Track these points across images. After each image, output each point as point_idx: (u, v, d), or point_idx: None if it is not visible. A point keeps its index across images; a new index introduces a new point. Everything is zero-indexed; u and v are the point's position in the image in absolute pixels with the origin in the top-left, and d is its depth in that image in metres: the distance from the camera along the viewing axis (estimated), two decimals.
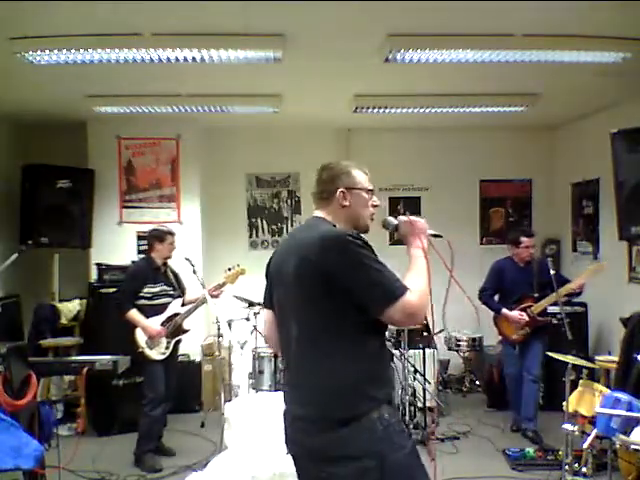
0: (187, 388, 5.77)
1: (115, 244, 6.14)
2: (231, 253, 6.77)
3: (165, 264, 4.73)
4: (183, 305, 4.71)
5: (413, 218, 2.21)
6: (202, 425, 5.41)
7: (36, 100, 5.42)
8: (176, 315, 4.63)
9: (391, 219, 2.26)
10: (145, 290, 4.55)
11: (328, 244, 1.90)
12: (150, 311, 4.54)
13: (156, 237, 4.67)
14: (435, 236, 2.35)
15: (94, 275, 5.92)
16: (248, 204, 7.03)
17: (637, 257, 5.52)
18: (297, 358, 1.99)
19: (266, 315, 2.21)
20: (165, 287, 4.65)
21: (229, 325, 5.29)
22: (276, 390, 5.02)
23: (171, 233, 4.71)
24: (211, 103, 5.45)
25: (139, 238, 6.13)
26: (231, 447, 4.05)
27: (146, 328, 4.49)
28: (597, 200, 6.15)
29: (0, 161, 5.98)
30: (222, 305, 4.93)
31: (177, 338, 4.66)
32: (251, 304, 5.32)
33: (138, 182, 6.27)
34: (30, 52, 3.89)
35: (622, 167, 4.67)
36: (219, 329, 5.18)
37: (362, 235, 2.01)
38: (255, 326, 5.32)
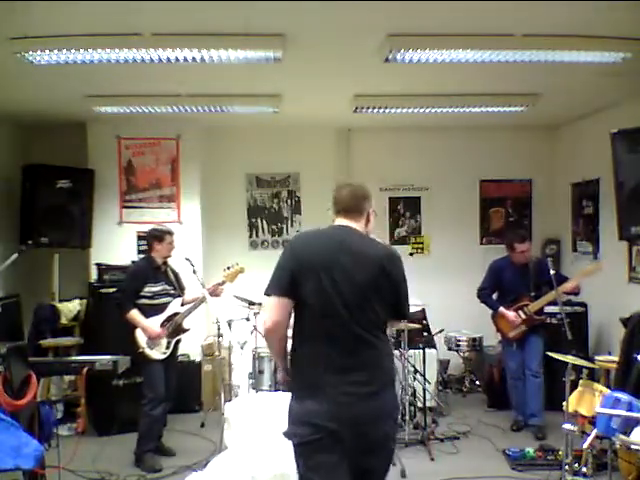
0: (187, 388, 5.77)
1: (115, 244, 6.14)
2: (231, 253, 6.76)
3: (165, 263, 4.73)
4: (182, 305, 4.71)
5: None
6: (202, 425, 5.42)
7: (36, 100, 5.42)
8: (176, 315, 4.62)
9: None
10: (146, 289, 4.54)
11: (398, 260, 2.47)
12: (150, 310, 4.53)
13: (155, 237, 4.66)
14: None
15: (94, 275, 5.91)
16: (248, 204, 7.03)
17: (637, 257, 5.52)
18: (355, 343, 2.32)
19: (281, 301, 2.35)
20: (166, 286, 4.65)
21: (229, 325, 5.29)
22: (276, 390, 5.02)
23: (170, 233, 4.71)
24: (211, 103, 5.44)
25: (139, 238, 6.13)
26: (231, 447, 4.05)
27: (146, 329, 4.48)
28: (597, 200, 6.15)
29: (0, 161, 5.98)
30: (222, 305, 4.93)
31: (177, 338, 4.66)
32: (251, 304, 5.32)
33: (138, 182, 6.28)
34: (30, 52, 3.89)
35: (622, 167, 4.67)
36: (219, 329, 5.19)
37: None
38: (255, 326, 5.32)
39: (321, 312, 2.32)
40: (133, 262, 5.30)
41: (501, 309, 5.14)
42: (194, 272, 4.60)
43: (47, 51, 3.87)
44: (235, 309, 5.44)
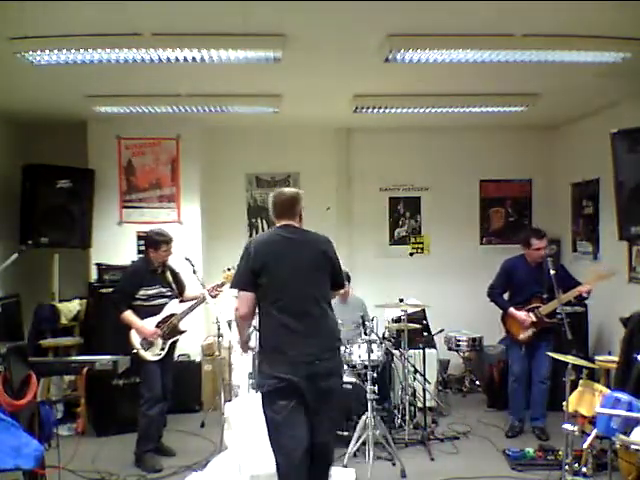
0: (187, 388, 5.77)
1: (115, 244, 6.14)
2: (231, 253, 6.68)
3: (164, 264, 4.72)
4: (182, 302, 4.70)
5: None
6: (202, 425, 5.42)
7: (36, 100, 5.42)
8: (172, 316, 4.61)
9: None
10: (141, 292, 4.53)
11: (331, 243, 3.23)
12: (145, 312, 4.52)
13: (150, 244, 4.64)
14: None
15: (94, 275, 5.91)
16: (248, 204, 7.03)
17: (637, 257, 5.52)
18: (317, 316, 3.06)
19: (249, 296, 3.07)
20: (161, 289, 4.63)
21: (229, 325, 5.29)
22: None
23: (167, 242, 4.63)
24: (211, 103, 5.45)
25: (139, 238, 6.13)
26: (231, 447, 4.06)
27: (140, 329, 4.47)
28: (597, 200, 6.15)
29: (0, 161, 5.98)
30: (222, 305, 4.93)
31: (173, 339, 4.63)
32: None
33: (138, 182, 6.28)
34: (30, 52, 3.89)
35: (622, 167, 4.67)
36: (219, 329, 5.18)
37: None
38: (255, 326, 5.31)
39: (280, 293, 3.02)
40: (132, 262, 5.25)
41: (511, 309, 5.00)
42: (194, 272, 4.60)
43: (47, 51, 3.88)
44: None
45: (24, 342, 4.84)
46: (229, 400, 4.94)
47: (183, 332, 4.71)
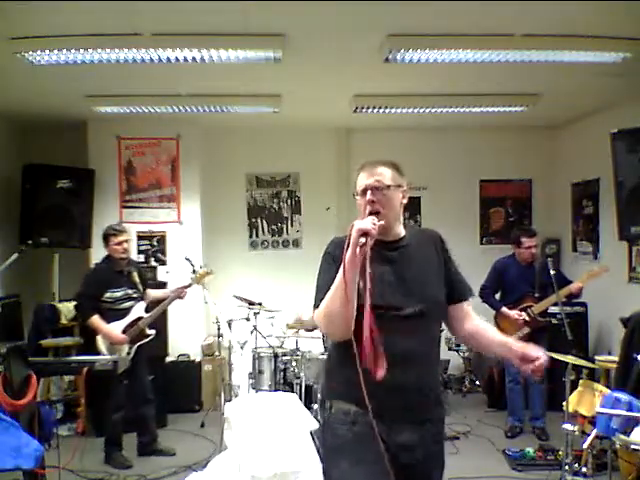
0: (187, 388, 5.78)
1: None
2: (231, 253, 6.78)
3: (129, 263, 4.61)
4: (148, 306, 4.60)
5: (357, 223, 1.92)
6: (202, 425, 5.41)
7: (36, 100, 5.42)
8: (139, 319, 4.50)
9: None
10: (107, 295, 4.40)
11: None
12: (112, 315, 4.41)
13: (103, 239, 4.51)
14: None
15: None
16: (248, 204, 7.03)
17: (637, 257, 5.52)
18: None
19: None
20: (128, 290, 4.51)
21: (229, 325, 5.29)
22: (276, 390, 5.02)
23: (114, 234, 4.46)
24: (211, 103, 5.45)
25: (139, 238, 6.14)
26: (231, 447, 4.05)
27: (108, 334, 4.37)
28: (597, 200, 6.15)
29: (0, 161, 5.98)
30: (221, 305, 4.93)
31: (139, 343, 4.51)
32: (251, 304, 5.32)
33: (138, 182, 6.27)
34: (30, 52, 3.89)
35: (622, 167, 4.67)
36: (219, 329, 5.18)
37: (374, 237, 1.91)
38: (255, 326, 5.33)
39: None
40: (95, 264, 4.87)
41: (503, 309, 5.02)
42: (194, 272, 4.59)
43: (47, 51, 3.88)
44: (235, 309, 5.44)
45: (24, 342, 4.84)
46: (229, 400, 4.94)
47: (149, 336, 4.57)
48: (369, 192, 2.08)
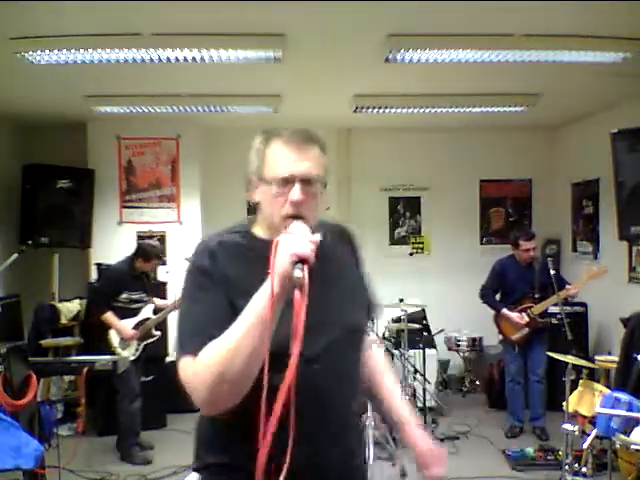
0: None
1: (115, 244, 6.12)
2: None
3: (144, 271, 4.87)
4: (155, 312, 4.84)
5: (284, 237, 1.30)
6: None
7: (36, 100, 5.42)
8: (147, 320, 4.75)
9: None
10: (124, 296, 4.67)
11: None
12: (124, 314, 4.65)
13: (143, 255, 4.77)
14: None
15: (94, 275, 5.91)
16: (248, 204, 7.02)
17: (637, 257, 5.52)
18: None
19: None
20: (142, 294, 4.79)
21: None
22: None
23: (159, 257, 4.96)
24: (211, 103, 5.44)
25: (139, 238, 6.13)
26: None
27: (122, 329, 4.60)
28: (597, 200, 6.15)
29: (0, 161, 5.97)
30: None
31: (146, 342, 4.77)
32: None
33: (138, 182, 6.27)
34: (30, 52, 3.89)
35: (622, 167, 4.67)
36: None
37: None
38: None
39: None
40: (117, 265, 4.93)
41: (504, 310, 5.01)
42: None
43: (47, 51, 3.87)
44: None
45: (24, 342, 4.84)
46: None
47: (155, 336, 4.85)
48: (298, 185, 1.42)
